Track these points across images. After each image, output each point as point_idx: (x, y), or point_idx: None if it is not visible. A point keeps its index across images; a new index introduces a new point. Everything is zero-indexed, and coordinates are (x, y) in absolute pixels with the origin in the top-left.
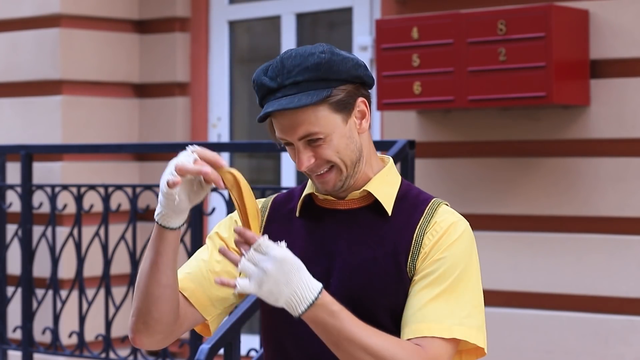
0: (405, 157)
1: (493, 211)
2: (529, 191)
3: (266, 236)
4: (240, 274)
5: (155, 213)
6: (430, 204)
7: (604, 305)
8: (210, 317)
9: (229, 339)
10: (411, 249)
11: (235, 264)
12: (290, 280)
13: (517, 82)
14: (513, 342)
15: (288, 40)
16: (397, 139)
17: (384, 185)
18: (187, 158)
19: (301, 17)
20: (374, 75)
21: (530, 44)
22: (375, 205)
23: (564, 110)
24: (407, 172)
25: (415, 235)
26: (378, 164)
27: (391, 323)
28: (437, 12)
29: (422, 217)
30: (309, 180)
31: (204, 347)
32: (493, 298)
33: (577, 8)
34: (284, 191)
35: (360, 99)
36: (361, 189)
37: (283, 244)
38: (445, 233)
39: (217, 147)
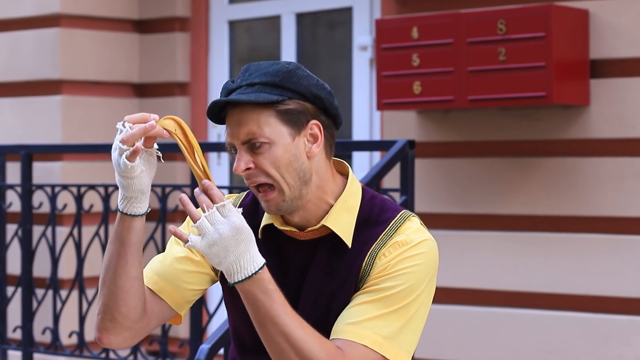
0: (405, 157)
1: (493, 211)
2: (529, 191)
3: (230, 201)
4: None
5: (118, 203)
6: (391, 224)
7: (604, 305)
8: (184, 311)
9: (229, 339)
10: (360, 273)
11: (194, 219)
12: (238, 249)
13: (517, 82)
14: (513, 342)
15: (288, 40)
16: (397, 139)
17: (343, 214)
18: (125, 131)
19: (301, 17)
20: (374, 75)
21: (530, 44)
22: (334, 234)
23: (564, 110)
24: (407, 172)
25: (365, 260)
26: (338, 188)
27: None
28: (437, 12)
29: (377, 241)
30: None
31: (204, 347)
32: (493, 298)
33: (577, 8)
34: (250, 196)
35: (314, 122)
36: (320, 224)
37: (240, 209)
38: (401, 252)
39: (217, 147)
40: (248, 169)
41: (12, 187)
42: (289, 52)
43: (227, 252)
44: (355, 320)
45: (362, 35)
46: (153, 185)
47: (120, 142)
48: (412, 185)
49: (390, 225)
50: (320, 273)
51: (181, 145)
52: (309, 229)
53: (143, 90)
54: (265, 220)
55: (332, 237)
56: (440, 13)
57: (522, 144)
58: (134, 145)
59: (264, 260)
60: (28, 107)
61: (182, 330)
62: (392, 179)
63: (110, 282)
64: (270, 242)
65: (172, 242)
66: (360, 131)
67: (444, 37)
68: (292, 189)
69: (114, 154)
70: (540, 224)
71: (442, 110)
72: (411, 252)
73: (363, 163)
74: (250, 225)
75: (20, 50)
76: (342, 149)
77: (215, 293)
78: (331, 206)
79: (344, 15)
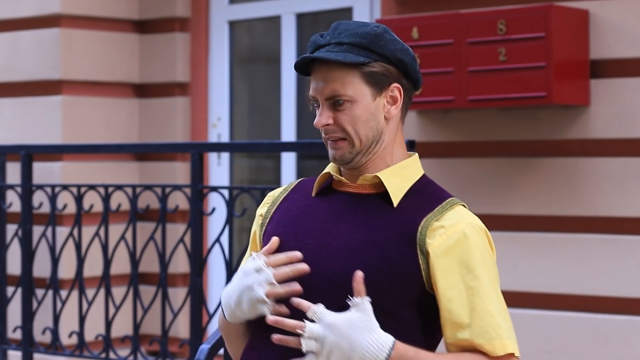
0: None
1: (493, 211)
2: (529, 191)
3: (320, 305)
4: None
5: (228, 314)
6: (444, 203)
7: (604, 305)
8: None
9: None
10: (417, 242)
11: (298, 345)
12: (354, 344)
13: (517, 82)
14: None
15: (288, 40)
16: None
17: (398, 176)
18: (271, 281)
19: (301, 17)
20: None
21: (530, 44)
22: (385, 194)
23: (564, 110)
24: None
25: (420, 228)
26: (402, 155)
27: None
28: (437, 12)
29: (431, 213)
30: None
31: (204, 347)
32: None
33: (577, 8)
34: (312, 177)
35: (396, 85)
36: (373, 175)
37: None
38: (457, 235)
39: (217, 147)
40: (327, 124)
41: (12, 187)
42: (289, 52)
43: (345, 352)
44: (486, 331)
45: None
46: (153, 186)
47: (265, 294)
48: None
49: (442, 204)
50: (362, 226)
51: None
52: (360, 182)
53: (143, 91)
54: (325, 170)
55: (381, 196)
56: (440, 13)
57: (522, 144)
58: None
59: (390, 340)
60: (28, 107)
61: (182, 330)
62: None
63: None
64: (323, 197)
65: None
66: None
67: (444, 37)
68: (362, 145)
69: (248, 293)
70: (540, 224)
71: (442, 110)
72: (469, 238)
73: None
74: (306, 189)
75: (20, 50)
76: None
77: (216, 293)
78: (389, 167)
79: (344, 15)
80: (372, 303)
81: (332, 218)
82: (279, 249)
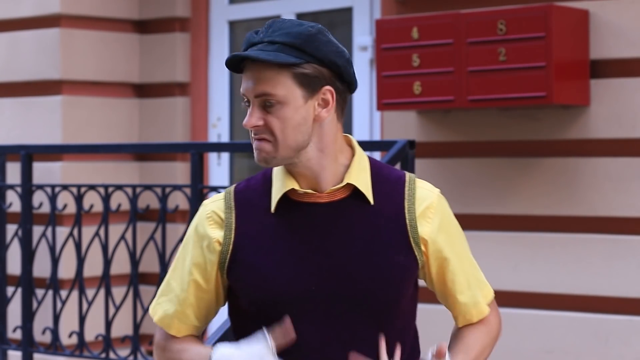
0: (405, 157)
1: (493, 211)
2: (529, 191)
3: None
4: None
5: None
6: (407, 184)
7: (604, 305)
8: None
9: (229, 339)
10: (409, 235)
11: None
12: None
13: (517, 82)
14: (513, 342)
15: None
16: (397, 139)
17: (361, 172)
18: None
19: (301, 17)
20: (374, 75)
21: (530, 44)
22: (354, 194)
23: (564, 110)
24: None
25: (407, 221)
26: (347, 150)
27: (391, 312)
28: (437, 12)
29: (405, 201)
30: (276, 171)
31: None
32: None
33: (577, 8)
34: (241, 182)
35: (328, 87)
36: (343, 183)
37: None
38: (437, 211)
39: (217, 147)
40: (257, 125)
41: (12, 187)
42: None
43: None
44: (474, 296)
45: (362, 36)
46: (153, 186)
47: None
48: None
49: (405, 184)
50: (352, 235)
51: None
52: (332, 188)
53: (143, 91)
54: (279, 189)
55: (352, 197)
56: (440, 13)
57: (522, 144)
58: None
59: None
60: (28, 107)
61: None
62: None
63: None
64: (288, 213)
65: (188, 280)
66: (360, 131)
67: (444, 37)
68: (288, 150)
69: None
70: (540, 224)
71: (442, 110)
72: (442, 206)
73: None
74: (254, 206)
75: (20, 50)
76: None
77: None
78: (347, 167)
79: (344, 15)
80: (386, 311)
81: (316, 233)
82: (274, 281)
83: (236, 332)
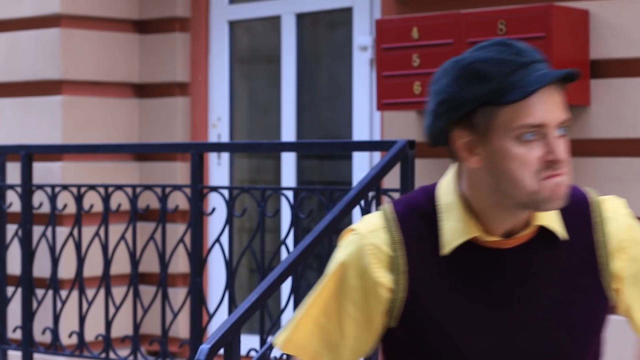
0: (405, 157)
1: None
2: None
3: None
4: None
5: None
6: (592, 207)
7: None
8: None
9: (229, 339)
10: (601, 275)
11: None
12: None
13: None
14: None
15: (288, 41)
16: (397, 139)
17: None
18: None
19: (301, 17)
20: (374, 75)
21: (530, 44)
22: (540, 232)
23: None
24: (407, 172)
25: (598, 258)
26: None
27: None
28: (437, 12)
29: (594, 230)
30: (444, 196)
31: (204, 347)
32: None
33: (577, 8)
34: (397, 202)
35: None
36: (533, 224)
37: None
38: (634, 243)
39: (217, 147)
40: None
41: (12, 187)
42: (289, 52)
43: None
44: None
45: (362, 36)
46: (153, 186)
47: None
48: (412, 185)
49: (590, 207)
50: (545, 283)
51: None
52: (522, 233)
53: (143, 91)
54: (458, 235)
55: (540, 235)
56: (440, 13)
57: None
58: None
59: None
60: (28, 107)
61: (182, 330)
62: (392, 179)
63: None
64: (464, 257)
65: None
66: (360, 131)
67: (444, 37)
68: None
69: None
70: None
71: None
72: (632, 222)
73: (363, 163)
74: (422, 242)
75: (20, 50)
76: (342, 149)
77: (216, 293)
78: None
79: (344, 16)
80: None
81: (503, 285)
82: (463, 344)
83: None
